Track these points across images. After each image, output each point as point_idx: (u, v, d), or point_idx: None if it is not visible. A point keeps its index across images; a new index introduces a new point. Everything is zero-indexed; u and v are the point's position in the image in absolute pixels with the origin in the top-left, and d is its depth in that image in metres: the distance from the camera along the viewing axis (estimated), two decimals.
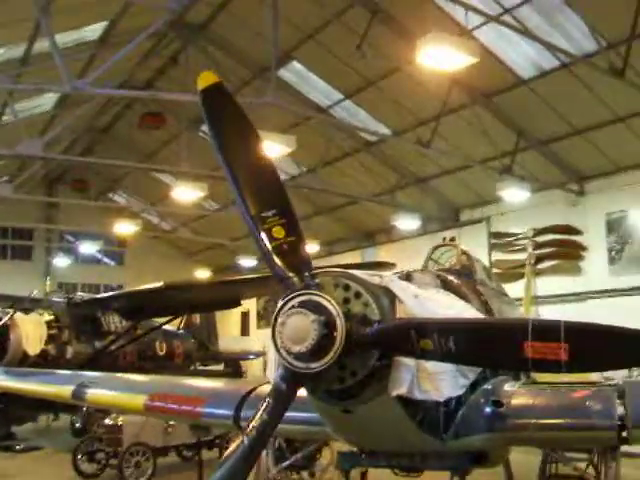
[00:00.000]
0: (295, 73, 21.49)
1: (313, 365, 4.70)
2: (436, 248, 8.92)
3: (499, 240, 23.90)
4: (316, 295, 4.79)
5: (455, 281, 7.47)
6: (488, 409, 6.45)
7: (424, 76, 13.57)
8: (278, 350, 4.78)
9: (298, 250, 5.07)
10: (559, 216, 21.60)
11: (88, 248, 37.35)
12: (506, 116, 19.71)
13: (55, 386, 10.44)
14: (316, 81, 21.58)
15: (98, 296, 23.18)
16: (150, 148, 29.38)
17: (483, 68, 17.41)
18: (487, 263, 23.88)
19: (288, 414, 6.70)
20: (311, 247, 29.83)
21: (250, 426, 4.99)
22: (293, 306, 4.77)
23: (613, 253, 20.41)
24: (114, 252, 40.26)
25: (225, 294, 20.25)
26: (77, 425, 19.23)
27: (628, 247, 20.02)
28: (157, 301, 19.68)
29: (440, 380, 5.44)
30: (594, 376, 8.27)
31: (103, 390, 9.51)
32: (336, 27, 18.58)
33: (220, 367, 27.02)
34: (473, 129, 19.78)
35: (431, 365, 5.28)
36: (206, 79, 5.29)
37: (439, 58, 11.61)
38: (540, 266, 22.22)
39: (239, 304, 20.83)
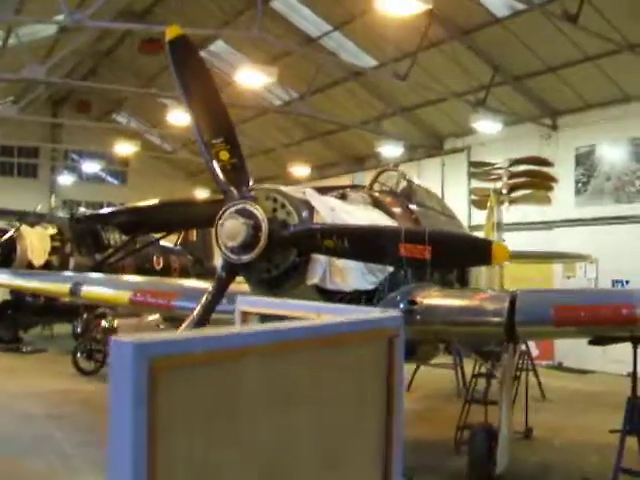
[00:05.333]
0: (286, 4, 22.21)
1: (244, 257, 6.08)
2: (381, 172, 10.18)
3: (477, 169, 25.01)
4: (248, 204, 6.11)
5: (386, 200, 8.81)
6: (403, 305, 7.70)
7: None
8: (219, 246, 6.24)
9: (239, 170, 6.35)
10: (533, 148, 22.49)
11: (91, 167, 38.23)
12: (482, 52, 20.46)
13: (55, 284, 11.73)
14: (306, 12, 22.33)
15: (98, 212, 24.35)
16: (151, 72, 29.79)
17: (460, 6, 18.40)
18: (466, 191, 25.23)
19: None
20: (304, 170, 31.01)
21: (198, 305, 6.49)
22: (230, 212, 6.19)
23: (579, 185, 21.55)
24: (117, 171, 40.72)
25: (218, 211, 21.47)
26: (78, 330, 20.71)
27: (593, 180, 21.15)
28: (154, 217, 20.70)
29: (349, 275, 6.71)
30: None
31: (95, 287, 10.84)
32: None
33: None
34: (451, 63, 20.69)
35: (341, 262, 6.58)
36: (172, 32, 6.45)
37: (394, 5, 12.72)
38: (513, 195, 23.48)
39: None
